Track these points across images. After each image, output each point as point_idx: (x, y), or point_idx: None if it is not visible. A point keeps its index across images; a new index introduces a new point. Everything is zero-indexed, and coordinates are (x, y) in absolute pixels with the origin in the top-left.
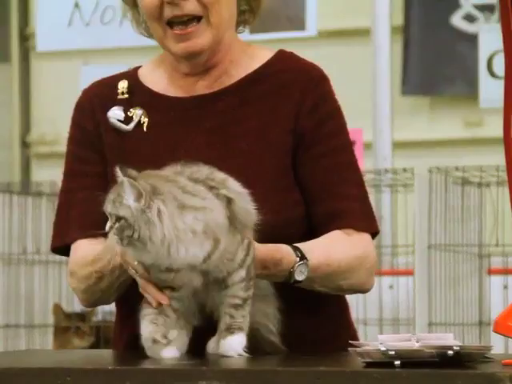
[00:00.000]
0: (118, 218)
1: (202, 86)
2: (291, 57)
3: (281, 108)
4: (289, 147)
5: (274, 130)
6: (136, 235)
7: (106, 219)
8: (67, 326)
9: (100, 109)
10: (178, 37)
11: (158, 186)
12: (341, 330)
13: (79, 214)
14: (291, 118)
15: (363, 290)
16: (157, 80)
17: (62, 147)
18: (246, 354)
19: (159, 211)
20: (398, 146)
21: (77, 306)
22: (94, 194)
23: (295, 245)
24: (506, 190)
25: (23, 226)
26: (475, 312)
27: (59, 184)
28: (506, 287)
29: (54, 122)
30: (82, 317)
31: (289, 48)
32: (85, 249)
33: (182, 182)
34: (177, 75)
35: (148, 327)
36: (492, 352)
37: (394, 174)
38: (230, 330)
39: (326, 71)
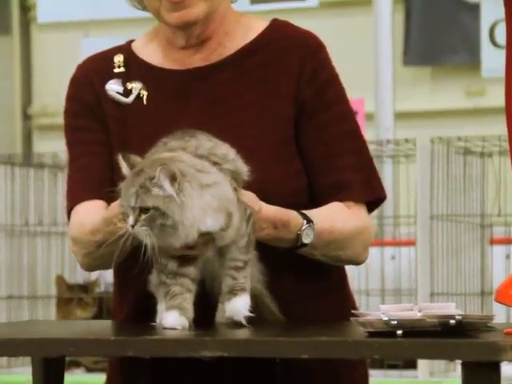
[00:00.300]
0: (145, 210)
1: (198, 59)
2: (287, 25)
3: (280, 77)
4: (291, 116)
5: (274, 100)
6: (170, 221)
7: (107, 184)
8: (70, 297)
9: (98, 82)
10: (172, 6)
11: (182, 169)
12: (340, 301)
13: (80, 179)
14: (291, 87)
15: (358, 261)
16: (152, 53)
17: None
18: (252, 315)
19: (189, 193)
20: (399, 116)
21: (79, 277)
22: (95, 159)
23: (301, 211)
24: (508, 160)
25: (25, 197)
26: (477, 282)
27: (61, 156)
28: (508, 257)
29: (56, 94)
30: (84, 288)
31: (290, 19)
32: (83, 215)
33: (191, 161)
34: (172, 48)
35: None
36: (494, 321)
37: (396, 145)
38: (233, 291)
39: (328, 42)
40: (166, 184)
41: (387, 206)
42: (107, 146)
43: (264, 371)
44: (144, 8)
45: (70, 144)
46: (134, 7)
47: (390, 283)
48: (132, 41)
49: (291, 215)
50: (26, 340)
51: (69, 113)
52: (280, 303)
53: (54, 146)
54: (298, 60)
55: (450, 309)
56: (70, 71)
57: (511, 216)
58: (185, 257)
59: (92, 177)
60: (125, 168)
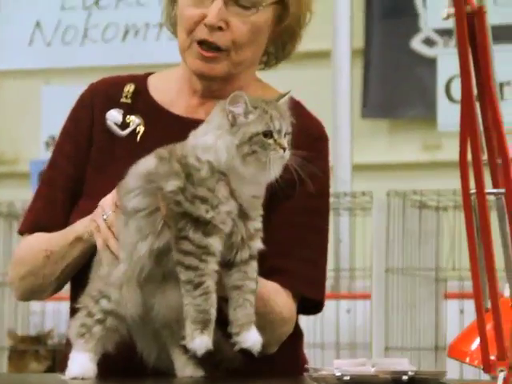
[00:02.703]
0: (286, 134)
1: (205, 112)
2: (298, 106)
3: None
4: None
5: None
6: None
7: (59, 223)
8: (24, 349)
9: (100, 108)
10: (200, 55)
11: None
12: (292, 357)
13: (38, 208)
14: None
15: (265, 351)
16: (163, 92)
17: (22, 167)
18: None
19: None
20: (357, 168)
21: (32, 329)
22: (60, 194)
23: None
24: (463, 214)
25: None
26: (431, 336)
27: (17, 205)
28: (462, 312)
29: (14, 142)
30: (38, 340)
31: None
32: (34, 237)
33: None
34: (185, 92)
35: None
36: (447, 377)
37: (353, 198)
38: (251, 321)
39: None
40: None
41: (343, 259)
42: (71, 182)
43: None
44: (173, 34)
45: (50, 164)
46: (166, 27)
47: (345, 337)
48: (151, 73)
49: None
50: None
51: (64, 131)
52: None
53: (10, 195)
54: (295, 144)
55: (404, 364)
56: (30, 119)
57: (465, 270)
58: None
59: (47, 211)
60: (247, 103)
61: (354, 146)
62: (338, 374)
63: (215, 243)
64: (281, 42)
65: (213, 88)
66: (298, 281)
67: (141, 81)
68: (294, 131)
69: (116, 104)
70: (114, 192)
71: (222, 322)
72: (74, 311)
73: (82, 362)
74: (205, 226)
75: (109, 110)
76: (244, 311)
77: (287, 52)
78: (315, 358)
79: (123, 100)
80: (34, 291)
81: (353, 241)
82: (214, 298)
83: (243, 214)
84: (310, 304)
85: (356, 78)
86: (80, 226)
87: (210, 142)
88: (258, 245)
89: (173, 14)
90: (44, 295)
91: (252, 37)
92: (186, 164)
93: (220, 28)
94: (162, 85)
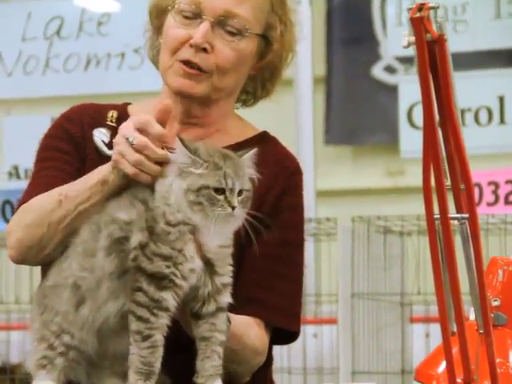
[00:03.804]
0: (240, 192)
1: None
2: (273, 142)
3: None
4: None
5: None
6: (248, 204)
7: None
8: None
9: (89, 125)
10: (182, 72)
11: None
12: (263, 382)
13: (41, 183)
14: (258, 198)
15: (238, 381)
16: None
17: None
18: None
19: None
20: (321, 194)
21: None
22: (64, 175)
23: None
24: (427, 239)
25: None
26: (398, 360)
27: None
28: (427, 335)
29: None
30: (3, 371)
31: None
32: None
33: None
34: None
35: None
36: None
37: (318, 224)
38: (218, 373)
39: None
40: (251, 167)
41: (309, 285)
42: (76, 172)
43: None
44: (155, 64)
45: (40, 159)
46: (149, 58)
47: (312, 361)
48: (129, 103)
49: None
50: None
51: (47, 136)
52: None
53: None
54: (273, 177)
55: None
56: None
57: (430, 295)
58: None
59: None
60: (186, 152)
61: (317, 172)
62: None
63: (169, 298)
64: (261, 80)
65: (192, 112)
66: (273, 311)
67: (121, 109)
68: (272, 163)
69: (103, 125)
70: (132, 118)
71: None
72: None
73: None
74: (160, 281)
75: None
76: (211, 363)
77: (266, 91)
78: (282, 383)
79: (109, 123)
80: (32, 246)
81: (318, 266)
82: (160, 351)
83: (211, 269)
84: (285, 334)
85: (318, 105)
86: (104, 169)
87: (168, 185)
88: (226, 299)
89: (157, 44)
90: (40, 255)
91: (235, 64)
92: (151, 216)
93: (205, 50)
94: (142, 113)
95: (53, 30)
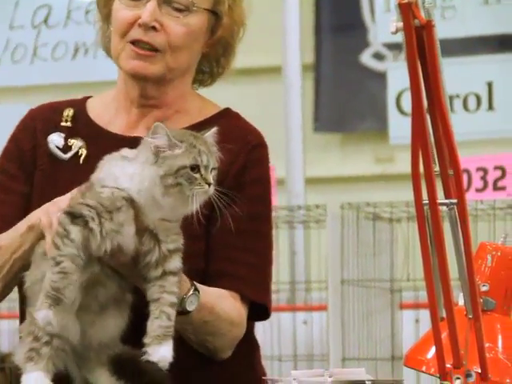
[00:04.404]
0: (213, 169)
1: (143, 128)
2: (235, 117)
3: None
4: (211, 199)
5: None
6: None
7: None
8: None
9: (42, 132)
10: (134, 54)
11: None
12: (248, 369)
13: None
14: (220, 173)
15: (219, 356)
16: (102, 114)
17: None
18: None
19: None
20: (310, 182)
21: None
22: (7, 208)
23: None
24: (416, 226)
25: None
26: (388, 346)
27: None
28: (417, 321)
29: None
30: None
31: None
32: None
33: None
34: (122, 109)
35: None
36: None
37: (307, 211)
38: (166, 335)
39: (237, 109)
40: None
41: (299, 272)
42: (26, 199)
43: None
44: (108, 53)
45: None
46: (102, 49)
47: (302, 348)
48: (89, 97)
49: (183, 276)
50: None
51: (6, 153)
52: (180, 368)
53: None
54: (234, 152)
55: (360, 374)
56: None
57: (420, 281)
58: None
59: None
60: (165, 135)
61: (306, 159)
62: None
63: (76, 232)
64: (215, 57)
65: (148, 93)
66: (244, 285)
67: (79, 105)
68: (233, 138)
69: (57, 128)
70: (72, 193)
71: None
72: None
73: (35, 380)
74: (75, 217)
75: (50, 133)
76: (159, 323)
77: (221, 68)
78: (273, 370)
79: (63, 124)
80: None
81: (308, 253)
82: (70, 279)
83: (155, 238)
84: (257, 309)
85: (307, 92)
86: (33, 217)
87: (133, 171)
88: (174, 264)
89: (107, 33)
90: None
91: (187, 40)
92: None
93: (154, 28)
94: (100, 106)
95: (41, 19)
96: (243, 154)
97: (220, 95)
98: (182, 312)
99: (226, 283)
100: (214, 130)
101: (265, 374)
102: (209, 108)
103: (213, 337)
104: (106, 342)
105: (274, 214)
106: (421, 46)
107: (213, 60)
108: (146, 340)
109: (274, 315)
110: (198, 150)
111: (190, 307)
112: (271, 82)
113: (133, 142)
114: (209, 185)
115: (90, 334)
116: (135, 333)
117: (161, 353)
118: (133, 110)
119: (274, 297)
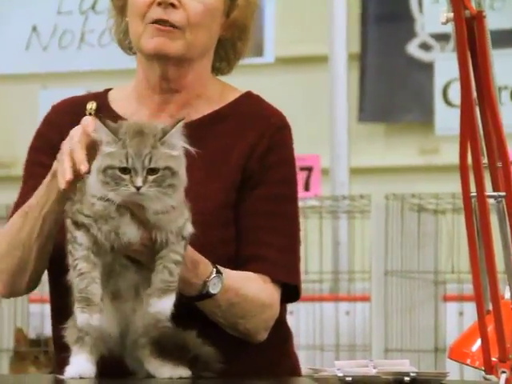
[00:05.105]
0: (153, 171)
1: (166, 116)
2: (257, 100)
3: (237, 146)
4: (236, 184)
5: (226, 167)
6: (176, 181)
7: None
8: (27, 351)
9: (66, 126)
10: (155, 31)
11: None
12: (284, 356)
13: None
14: (243, 157)
15: (255, 338)
16: (125, 105)
17: (19, 170)
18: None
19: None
20: (354, 172)
21: (32, 332)
22: None
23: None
24: (462, 218)
25: None
26: (431, 338)
27: None
28: (461, 314)
29: (12, 145)
30: (37, 343)
31: (246, 75)
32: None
33: None
34: (144, 98)
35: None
36: (448, 378)
37: (351, 201)
38: (167, 289)
39: (284, 98)
40: (180, 142)
41: (342, 262)
42: None
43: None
44: (124, 47)
45: (27, 177)
46: (117, 43)
47: (344, 339)
48: (110, 89)
49: (202, 259)
50: None
51: (32, 148)
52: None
53: (8, 198)
54: (257, 134)
55: (405, 365)
56: (27, 123)
57: (464, 273)
58: None
59: None
60: (105, 131)
61: (351, 149)
62: (340, 374)
63: (82, 236)
64: (231, 42)
65: (169, 75)
66: (274, 266)
67: (101, 97)
68: (256, 122)
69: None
70: (83, 122)
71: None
72: (55, 311)
73: (79, 363)
74: (77, 224)
75: (75, 127)
76: (161, 277)
77: (238, 53)
78: (315, 360)
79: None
80: (14, 273)
81: (351, 243)
82: (90, 277)
83: (158, 226)
84: (288, 290)
85: (353, 82)
86: (54, 165)
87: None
88: (186, 230)
89: (123, 25)
90: (25, 279)
91: (205, 18)
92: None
93: (173, 6)
94: (121, 97)
95: (88, 5)
96: (267, 136)
97: (266, 84)
98: (206, 295)
99: (256, 266)
100: (181, 123)
101: (298, 362)
102: (230, 92)
103: (243, 319)
104: (151, 325)
105: (318, 203)
106: (471, 37)
107: (229, 45)
108: (149, 292)
109: (316, 305)
110: (126, 151)
111: (214, 290)
112: (317, 72)
113: None
114: (137, 188)
115: (134, 320)
116: (178, 312)
117: (160, 305)
118: (154, 97)
119: (317, 286)
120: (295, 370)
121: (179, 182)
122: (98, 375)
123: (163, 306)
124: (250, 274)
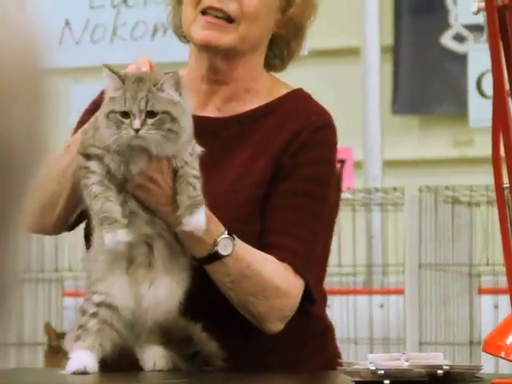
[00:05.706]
0: (152, 114)
1: (213, 107)
2: (305, 98)
3: (273, 143)
4: (267, 178)
5: (259, 161)
6: (177, 127)
7: None
8: (59, 345)
9: None
10: (206, 24)
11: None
12: (321, 349)
13: None
14: (277, 151)
15: (267, 326)
16: None
17: None
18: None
19: (186, 101)
20: (387, 164)
21: (66, 326)
22: None
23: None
24: (496, 210)
25: None
26: (466, 331)
27: None
28: (496, 307)
29: None
30: None
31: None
32: None
33: None
34: (193, 88)
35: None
36: (482, 372)
37: (384, 193)
38: (196, 204)
39: (317, 90)
40: (172, 90)
41: (376, 255)
42: None
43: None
44: (180, 36)
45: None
46: (174, 32)
47: (378, 332)
48: None
49: (214, 218)
50: None
51: (84, 112)
52: (258, 351)
53: None
54: (295, 131)
55: (438, 359)
56: (60, 117)
57: (499, 265)
58: None
59: None
60: (114, 78)
61: (384, 142)
62: (373, 368)
63: (94, 165)
64: (285, 40)
65: (218, 66)
66: (293, 256)
67: None
68: (297, 119)
69: None
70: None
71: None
72: None
73: (81, 358)
74: (89, 156)
75: None
76: (187, 192)
77: (292, 52)
78: (349, 353)
79: None
80: (45, 205)
81: (385, 236)
82: (104, 197)
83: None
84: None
85: (386, 74)
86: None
87: None
88: (197, 149)
89: (180, 14)
90: (54, 216)
91: (260, 10)
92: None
93: None
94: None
95: None
96: (304, 133)
97: (298, 76)
98: (216, 256)
99: (278, 253)
100: (172, 74)
101: (339, 355)
102: (279, 88)
103: (254, 298)
104: (163, 311)
105: (351, 196)
106: (503, 27)
107: (283, 43)
108: (179, 212)
109: (350, 298)
110: (125, 96)
111: (224, 251)
112: (350, 64)
113: (203, 122)
114: (136, 130)
115: (142, 297)
116: (191, 305)
117: (194, 222)
118: (202, 87)
119: (350, 280)
120: (334, 364)
121: (180, 129)
122: (100, 370)
123: (197, 221)
124: (270, 256)
